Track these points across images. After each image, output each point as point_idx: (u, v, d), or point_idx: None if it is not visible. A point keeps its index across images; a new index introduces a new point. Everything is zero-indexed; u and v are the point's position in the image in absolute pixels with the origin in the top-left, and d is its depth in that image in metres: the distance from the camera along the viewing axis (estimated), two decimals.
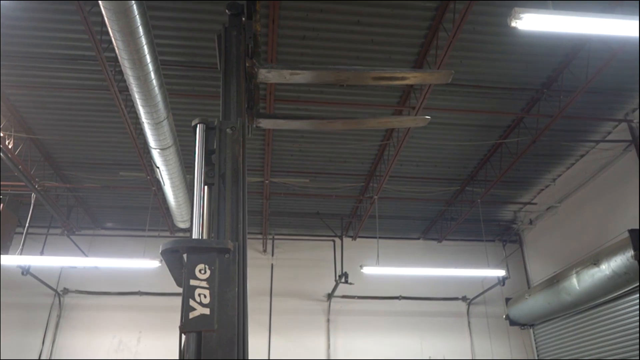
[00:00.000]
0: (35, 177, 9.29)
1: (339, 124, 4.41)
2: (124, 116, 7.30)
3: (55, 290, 11.43)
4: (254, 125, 3.85)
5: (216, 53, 3.53)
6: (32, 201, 9.63)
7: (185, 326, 2.55)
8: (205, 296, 2.60)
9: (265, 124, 3.97)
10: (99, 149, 9.26)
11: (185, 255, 2.79)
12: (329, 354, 11.60)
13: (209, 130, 3.06)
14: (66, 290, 11.58)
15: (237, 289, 2.67)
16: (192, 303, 2.58)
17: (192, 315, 2.56)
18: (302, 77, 3.62)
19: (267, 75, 3.54)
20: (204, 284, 2.63)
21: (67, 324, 11.36)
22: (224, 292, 2.63)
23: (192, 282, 2.63)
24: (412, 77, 3.95)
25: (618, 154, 9.11)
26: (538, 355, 11.59)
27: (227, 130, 3.03)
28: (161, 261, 9.38)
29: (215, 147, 2.99)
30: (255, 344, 11.10)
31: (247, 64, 3.39)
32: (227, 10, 3.58)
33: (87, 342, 11.21)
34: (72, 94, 7.79)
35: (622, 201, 9.06)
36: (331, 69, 3.78)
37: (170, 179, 7.64)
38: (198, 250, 2.71)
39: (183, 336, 2.62)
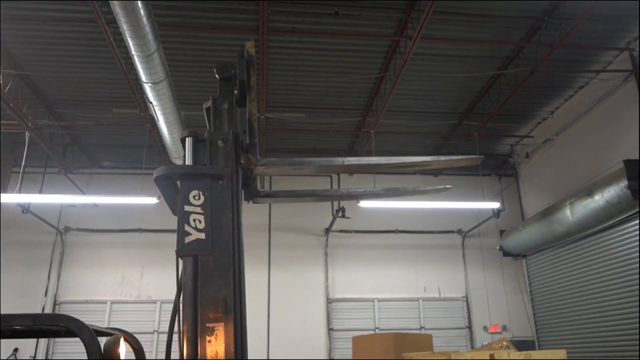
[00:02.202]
0: (28, 115, 9.17)
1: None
2: (114, 50, 7.11)
3: (57, 228, 11.59)
4: (250, 202, 3.42)
5: (205, 122, 3.13)
6: (27, 140, 9.55)
7: (182, 250, 2.59)
8: (200, 221, 2.62)
9: (265, 201, 3.52)
10: (91, 85, 9.09)
11: (179, 183, 2.79)
12: (327, 286, 11.95)
13: (198, 143, 2.81)
14: (67, 229, 11.74)
15: (231, 214, 2.69)
16: (187, 228, 2.61)
17: (187, 239, 2.60)
18: (306, 170, 3.28)
19: (266, 171, 3.16)
20: (199, 209, 2.64)
21: (71, 261, 11.62)
22: (219, 217, 2.65)
23: (187, 208, 2.65)
24: (436, 163, 3.64)
25: (618, 85, 8.98)
26: (529, 284, 11.97)
27: (219, 142, 2.80)
28: (159, 197, 9.46)
29: (206, 161, 2.75)
30: (255, 278, 11.41)
31: (241, 160, 2.93)
32: (216, 75, 3.12)
33: (92, 277, 11.51)
34: (59, 28, 7.55)
35: (619, 133, 9.03)
36: (338, 161, 3.29)
37: (164, 114, 7.55)
38: (191, 176, 2.70)
39: (180, 262, 2.67)
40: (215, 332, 2.47)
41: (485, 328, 12.09)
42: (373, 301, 11.98)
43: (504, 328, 12.10)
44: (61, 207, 11.72)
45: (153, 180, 2.71)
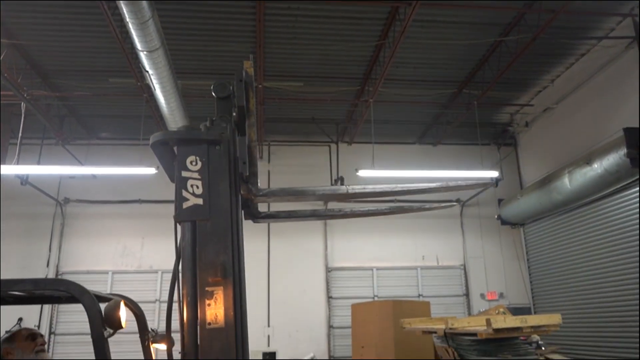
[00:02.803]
0: (23, 86, 9.07)
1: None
2: (108, 18, 6.99)
3: (57, 200, 11.61)
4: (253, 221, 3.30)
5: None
6: (23, 111, 9.49)
7: (180, 216, 2.59)
8: (197, 187, 2.62)
9: (265, 221, 3.45)
10: (86, 55, 8.97)
11: (176, 149, 2.77)
12: (326, 255, 12.06)
13: None
14: (67, 200, 11.76)
15: (229, 180, 2.68)
16: (184, 194, 2.61)
17: (185, 205, 2.60)
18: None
19: (267, 200, 3.05)
20: (196, 175, 2.64)
21: (72, 232, 11.69)
22: (216, 183, 2.65)
23: (184, 174, 2.65)
24: (444, 189, 3.49)
25: (620, 52, 8.87)
26: (527, 252, 12.09)
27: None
28: (158, 168, 9.44)
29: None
30: (255, 247, 11.50)
31: (241, 191, 2.83)
32: (213, 93, 2.93)
33: (93, 248, 11.61)
34: None
35: (620, 101, 8.97)
36: (342, 190, 3.17)
37: (161, 83, 7.48)
38: (188, 142, 2.69)
39: (179, 228, 2.67)
40: (215, 295, 2.49)
41: (482, 295, 12.26)
42: (372, 270, 12.12)
43: (501, 295, 12.28)
44: (60, 179, 11.72)
45: (150, 146, 2.69)
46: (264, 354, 6.11)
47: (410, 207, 3.48)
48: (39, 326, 10.70)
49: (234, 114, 2.82)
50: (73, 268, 11.32)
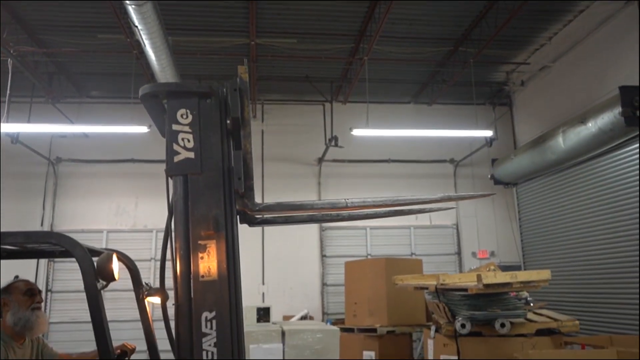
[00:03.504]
0: (9, 42, 8.84)
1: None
2: None
3: (48, 159, 11.52)
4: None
5: None
6: (10, 68, 9.27)
7: (171, 170, 2.57)
8: (188, 140, 2.59)
9: (261, 225, 3.32)
10: (73, 9, 8.69)
11: (165, 102, 2.73)
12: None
13: None
14: (59, 159, 11.67)
15: (220, 133, 2.65)
16: (175, 147, 2.58)
17: (177, 159, 2.57)
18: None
19: (264, 214, 2.88)
20: (187, 128, 2.60)
21: (65, 192, 11.65)
22: (208, 136, 2.62)
23: (175, 127, 2.61)
24: (447, 199, 3.32)
25: (619, 8, 8.71)
26: (519, 212, 12.21)
27: None
28: (150, 126, 9.35)
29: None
30: None
31: (237, 206, 2.71)
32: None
33: (87, 207, 11.61)
34: None
35: (617, 59, 8.87)
36: (341, 203, 2.97)
37: (151, 39, 7.29)
38: (178, 94, 2.64)
39: (170, 182, 2.65)
40: (207, 249, 2.50)
41: (474, 254, 12.45)
42: (365, 229, 12.23)
43: (492, 254, 12.47)
44: (51, 138, 11.58)
45: (139, 98, 2.64)
46: (259, 309, 6.21)
47: (409, 210, 3.40)
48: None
49: (228, 122, 2.66)
50: (68, 227, 11.34)
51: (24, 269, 10.63)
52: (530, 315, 5.79)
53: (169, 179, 2.60)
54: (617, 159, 8.74)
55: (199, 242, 2.50)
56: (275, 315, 10.23)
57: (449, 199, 3.43)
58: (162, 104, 2.75)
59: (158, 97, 2.69)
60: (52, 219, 11.41)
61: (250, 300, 10.35)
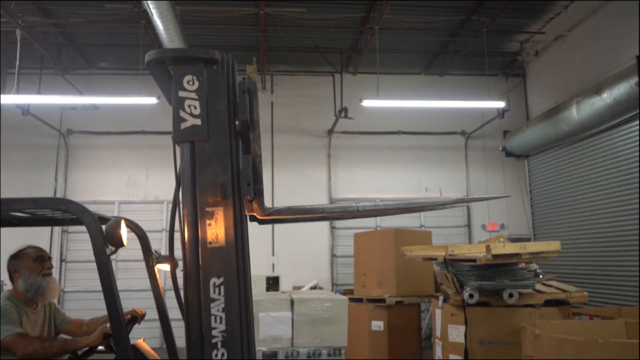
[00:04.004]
0: (17, 12, 8.79)
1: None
2: None
3: (59, 131, 11.59)
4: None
5: None
6: (19, 39, 9.24)
7: (178, 137, 2.56)
8: (195, 107, 2.57)
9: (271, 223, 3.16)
10: None
11: (171, 69, 2.70)
12: (329, 187, 12.14)
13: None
14: (70, 131, 11.73)
15: (227, 100, 2.63)
16: (182, 114, 2.57)
17: (183, 126, 2.56)
18: (316, 216, 2.85)
19: (274, 217, 2.78)
20: (193, 95, 2.58)
21: (76, 163, 11.75)
22: (214, 103, 2.59)
23: (181, 94, 2.59)
24: (460, 202, 3.15)
25: None
26: (530, 184, 12.12)
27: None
28: (159, 97, 9.32)
29: None
30: None
31: (246, 211, 2.65)
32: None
33: (98, 179, 11.71)
34: None
35: (634, 28, 8.58)
36: (352, 207, 2.95)
37: (158, 7, 7.20)
38: (184, 60, 2.61)
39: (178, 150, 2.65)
40: (215, 216, 2.51)
41: (483, 227, 12.43)
42: (375, 201, 12.18)
43: (502, 226, 12.44)
44: (62, 110, 11.62)
45: (145, 65, 2.62)
46: (268, 279, 6.29)
47: (420, 207, 3.30)
48: (49, 253, 10.99)
49: (236, 122, 2.61)
50: (80, 198, 11.44)
51: (38, 239, 10.80)
52: (538, 287, 5.79)
53: (176, 146, 2.60)
54: (630, 131, 8.58)
55: (207, 209, 2.51)
56: (285, 286, 10.39)
57: (462, 201, 3.38)
58: (168, 71, 2.72)
59: (164, 64, 2.66)
60: (65, 191, 11.54)
61: (260, 271, 10.49)
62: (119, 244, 2.42)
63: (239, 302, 2.46)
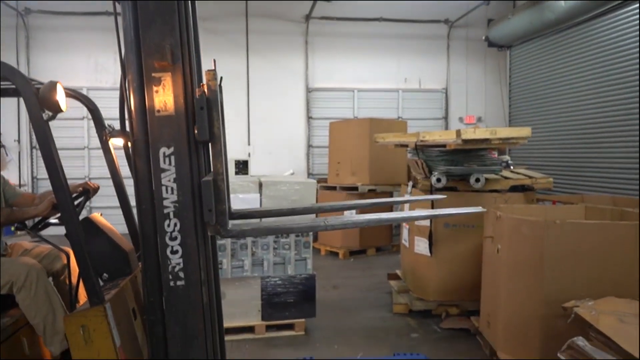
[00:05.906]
0: None
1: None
2: None
3: (16, 10, 10.78)
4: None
5: None
6: None
7: None
8: None
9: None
10: None
11: None
12: (307, 76, 11.80)
13: None
14: (28, 10, 10.93)
15: None
16: None
17: None
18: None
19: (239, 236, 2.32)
20: None
21: (38, 45, 11.08)
22: None
23: None
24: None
25: None
26: (510, 77, 11.94)
27: None
28: None
29: None
30: (233, 64, 11.12)
31: (209, 232, 2.29)
32: None
33: (65, 64, 11.11)
34: None
35: None
36: (320, 224, 2.46)
37: None
38: None
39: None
40: (162, 82, 2.33)
41: (461, 119, 12.42)
42: (353, 91, 11.99)
43: (479, 119, 12.44)
44: None
45: None
46: (237, 162, 6.24)
47: (394, 220, 2.99)
48: (19, 141, 10.74)
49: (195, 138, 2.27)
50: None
51: (5, 125, 10.53)
52: (506, 173, 5.87)
53: (116, 4, 2.35)
54: (616, 19, 8.29)
55: (153, 74, 2.33)
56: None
57: (435, 216, 3.11)
58: None
59: None
60: (28, 75, 10.99)
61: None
62: (56, 109, 2.26)
63: (190, 172, 2.38)
